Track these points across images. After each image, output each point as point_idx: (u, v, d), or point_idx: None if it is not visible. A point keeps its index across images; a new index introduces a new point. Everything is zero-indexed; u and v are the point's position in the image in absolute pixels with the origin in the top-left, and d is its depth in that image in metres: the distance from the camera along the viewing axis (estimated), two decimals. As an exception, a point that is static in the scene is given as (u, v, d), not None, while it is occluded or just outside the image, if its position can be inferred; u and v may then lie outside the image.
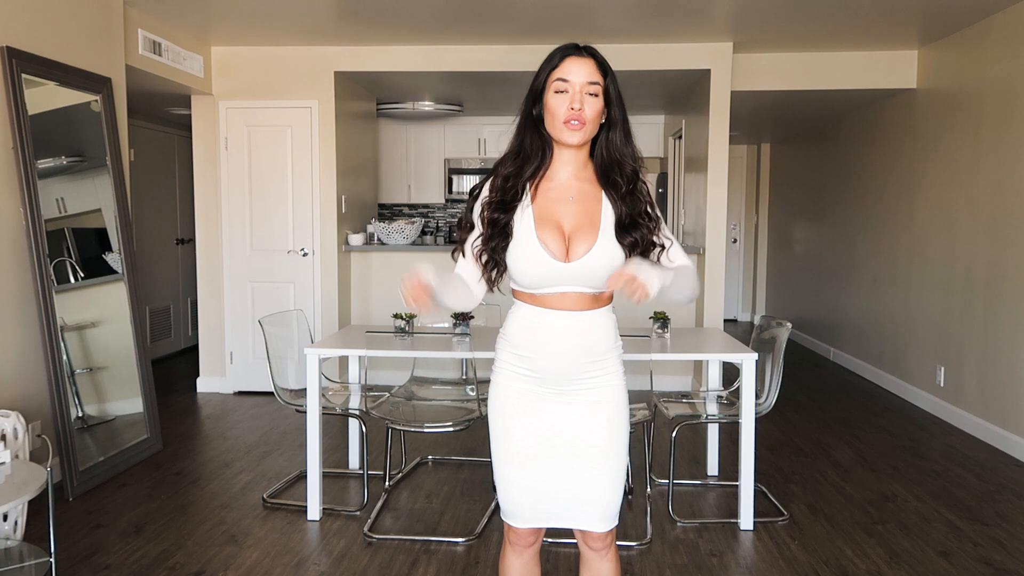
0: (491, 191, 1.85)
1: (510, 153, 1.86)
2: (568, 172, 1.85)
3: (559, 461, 1.86)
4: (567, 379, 1.85)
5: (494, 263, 1.82)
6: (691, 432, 4.67)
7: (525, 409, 1.87)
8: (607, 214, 1.81)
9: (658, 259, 1.85)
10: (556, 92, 1.78)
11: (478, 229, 1.85)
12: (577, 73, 1.77)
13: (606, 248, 1.78)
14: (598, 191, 1.84)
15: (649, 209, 1.84)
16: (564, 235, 1.79)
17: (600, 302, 1.84)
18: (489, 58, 5.54)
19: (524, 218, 1.80)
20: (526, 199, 1.82)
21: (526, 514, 1.91)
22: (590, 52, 1.80)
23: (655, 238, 1.84)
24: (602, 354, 1.86)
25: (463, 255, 1.88)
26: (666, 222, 7.13)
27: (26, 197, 3.56)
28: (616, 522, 1.93)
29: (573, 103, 1.76)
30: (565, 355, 1.83)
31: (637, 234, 1.80)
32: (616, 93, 1.82)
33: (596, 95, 1.78)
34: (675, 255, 1.89)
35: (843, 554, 3.12)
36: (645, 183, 1.86)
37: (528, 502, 1.89)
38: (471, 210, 1.88)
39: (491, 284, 1.86)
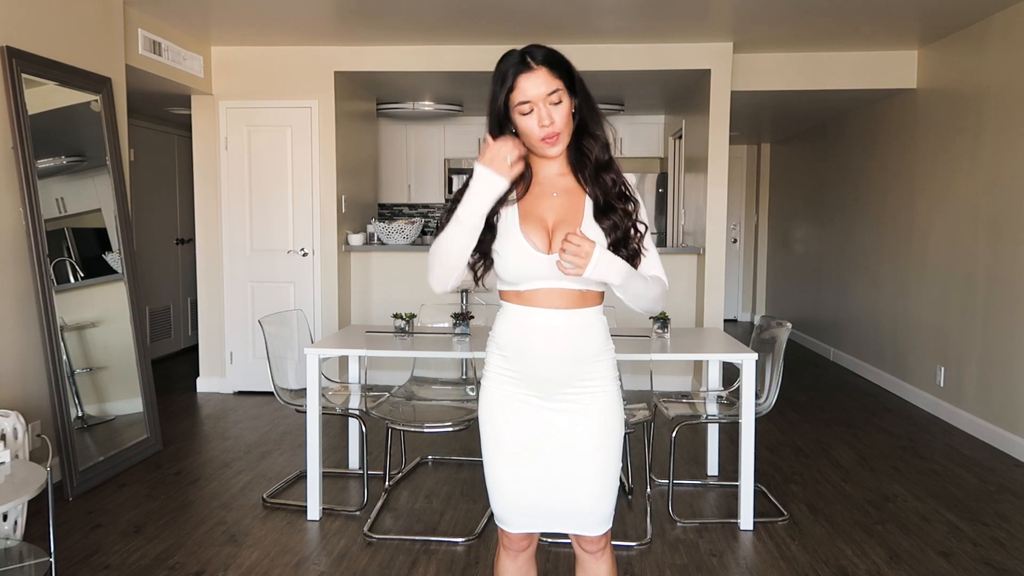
0: None
1: None
2: (552, 171, 1.86)
3: (549, 466, 1.84)
4: (557, 384, 1.82)
5: (479, 255, 1.82)
6: (691, 432, 4.67)
7: (514, 413, 1.85)
8: (590, 206, 1.81)
9: (638, 244, 1.82)
10: (522, 114, 1.78)
11: None
12: (534, 88, 1.75)
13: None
14: (581, 184, 1.84)
15: (624, 189, 1.83)
16: (547, 229, 1.80)
17: (588, 301, 1.82)
18: (489, 58, 5.45)
19: (510, 216, 1.81)
20: (512, 198, 1.82)
21: (518, 519, 1.90)
22: (539, 59, 1.77)
23: (634, 219, 1.81)
24: (593, 357, 1.83)
25: None
26: (666, 223, 7.20)
27: (26, 197, 3.56)
28: (610, 525, 1.91)
29: (543, 121, 1.76)
30: (554, 358, 1.81)
31: (615, 216, 1.79)
32: (576, 85, 1.79)
33: (559, 101, 1.76)
34: (651, 266, 1.85)
35: (843, 554, 3.12)
36: (616, 164, 1.84)
37: (519, 507, 1.89)
38: (458, 201, 1.83)
39: (476, 279, 1.86)
